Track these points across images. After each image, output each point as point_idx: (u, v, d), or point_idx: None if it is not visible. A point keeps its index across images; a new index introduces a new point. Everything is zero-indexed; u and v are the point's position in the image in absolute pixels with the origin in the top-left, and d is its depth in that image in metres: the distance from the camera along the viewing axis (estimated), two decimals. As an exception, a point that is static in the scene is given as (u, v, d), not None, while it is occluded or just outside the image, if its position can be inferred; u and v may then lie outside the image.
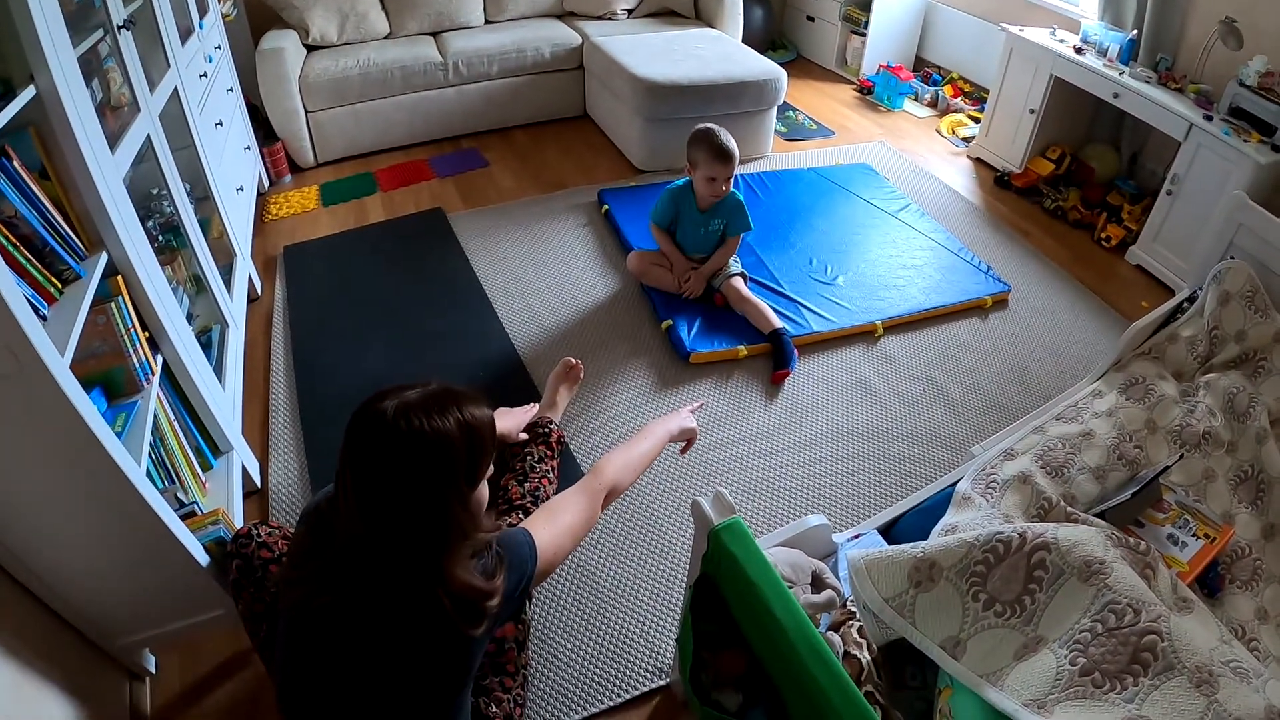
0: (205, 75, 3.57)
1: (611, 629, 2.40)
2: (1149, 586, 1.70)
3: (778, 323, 3.46)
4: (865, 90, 6.49)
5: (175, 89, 3.04)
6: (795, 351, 3.41)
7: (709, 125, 3.48)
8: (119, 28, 2.48)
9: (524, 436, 2.50)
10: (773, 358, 3.41)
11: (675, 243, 3.72)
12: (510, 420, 2.53)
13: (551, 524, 1.79)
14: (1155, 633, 1.52)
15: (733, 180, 3.54)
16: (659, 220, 3.70)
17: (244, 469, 2.69)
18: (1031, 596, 1.67)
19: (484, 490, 1.59)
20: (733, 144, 3.43)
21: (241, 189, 3.83)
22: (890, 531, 2.27)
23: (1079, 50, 4.69)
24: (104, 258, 2.04)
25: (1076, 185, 4.90)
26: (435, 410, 1.45)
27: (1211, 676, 1.49)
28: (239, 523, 2.39)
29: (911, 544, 1.79)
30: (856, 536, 2.21)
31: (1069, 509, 2.06)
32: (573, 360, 2.87)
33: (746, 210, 3.65)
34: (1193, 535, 2.13)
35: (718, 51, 5.06)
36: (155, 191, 2.83)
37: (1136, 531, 2.12)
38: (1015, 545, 1.70)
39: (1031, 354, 3.62)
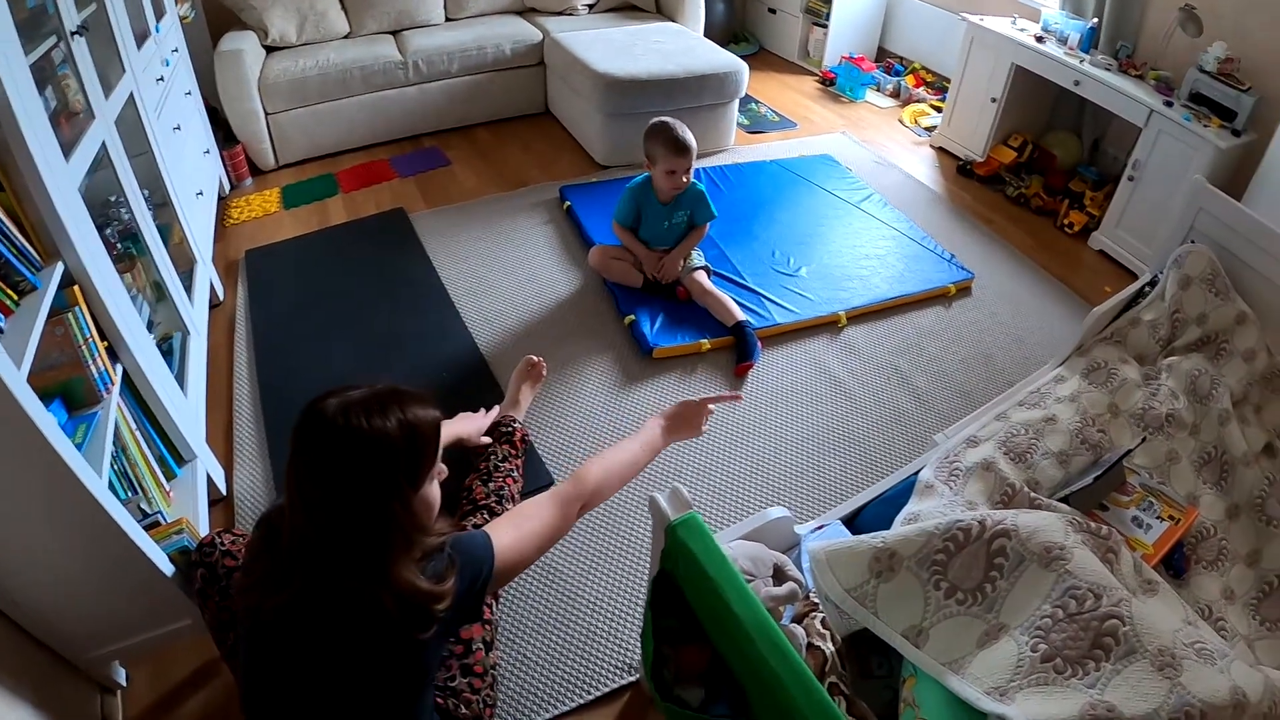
0: (162, 79, 3.52)
1: (579, 627, 2.39)
2: (1111, 571, 1.70)
3: (740, 315, 3.45)
4: (827, 82, 6.50)
5: (131, 94, 2.99)
6: (759, 344, 3.40)
7: (664, 119, 3.47)
8: (72, 34, 2.43)
9: (487, 440, 2.51)
10: (736, 350, 3.40)
11: (640, 239, 3.70)
12: (472, 424, 2.54)
13: (516, 528, 1.74)
14: (1117, 617, 1.52)
15: (692, 171, 3.53)
16: (621, 219, 3.68)
17: (209, 477, 2.64)
18: (992, 584, 1.66)
19: (431, 492, 1.57)
20: (689, 135, 3.43)
21: (201, 193, 3.78)
22: (854, 521, 2.24)
23: (1040, 39, 4.71)
24: (60, 268, 2.00)
25: (1039, 172, 4.93)
26: (376, 409, 1.45)
27: (1174, 659, 1.48)
28: (204, 531, 2.35)
29: (872, 534, 1.78)
30: (820, 527, 2.19)
31: (1032, 494, 2.05)
32: (534, 358, 2.91)
33: (709, 199, 3.65)
34: (1157, 517, 2.13)
35: (679, 45, 5.04)
36: (112, 199, 2.77)
37: (1101, 515, 2.12)
38: (975, 533, 1.69)
39: (996, 341, 3.63)
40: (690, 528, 1.59)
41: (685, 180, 3.50)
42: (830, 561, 1.75)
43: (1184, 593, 2.04)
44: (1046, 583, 1.61)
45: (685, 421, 2.21)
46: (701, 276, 3.61)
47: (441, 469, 1.60)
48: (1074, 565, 1.61)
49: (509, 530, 1.72)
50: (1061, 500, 2.09)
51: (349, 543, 1.43)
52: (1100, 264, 4.34)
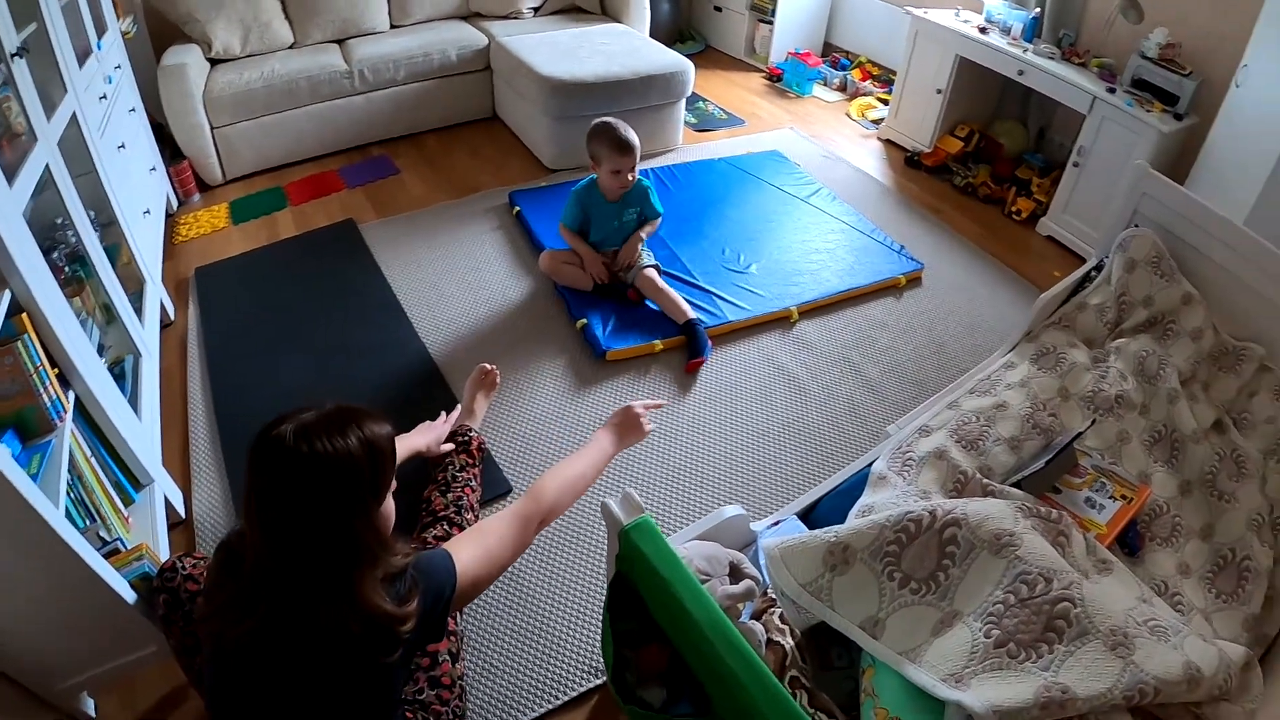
0: (105, 97, 3.44)
1: (545, 632, 2.39)
2: (1062, 554, 1.72)
3: (691, 313, 3.47)
4: (774, 78, 6.52)
5: (74, 114, 2.92)
6: (709, 341, 3.41)
7: (606, 119, 3.48)
8: (12, 55, 2.38)
9: (448, 447, 2.51)
10: (687, 348, 3.41)
11: (590, 242, 3.70)
12: (430, 434, 2.54)
13: (477, 547, 1.74)
14: (1068, 600, 1.54)
15: (638, 170, 3.55)
16: (568, 222, 3.68)
17: (166, 500, 2.60)
18: (945, 572, 1.68)
19: (389, 506, 1.57)
20: (632, 134, 3.45)
21: (149, 212, 3.70)
22: (810, 516, 2.25)
23: (983, 30, 4.77)
24: (7, 295, 1.95)
25: (986, 161, 4.99)
26: (335, 430, 1.44)
27: (1127, 638, 1.50)
28: (165, 555, 2.32)
29: (825, 529, 1.79)
30: (776, 524, 2.20)
31: (985, 481, 2.07)
32: (488, 366, 2.90)
33: (653, 192, 3.68)
34: (1110, 497, 2.15)
35: (624, 46, 5.05)
36: (58, 221, 2.70)
37: (1053, 498, 2.15)
38: (926, 523, 1.71)
39: (947, 329, 3.67)
40: (643, 531, 1.59)
41: (631, 178, 3.52)
42: (785, 558, 1.75)
43: (1139, 570, 2.06)
44: (998, 569, 1.63)
45: (628, 427, 2.25)
46: (653, 274, 3.60)
47: (393, 482, 1.59)
48: (1024, 551, 1.63)
49: (470, 549, 1.73)
50: (1014, 485, 2.11)
51: (315, 566, 1.42)
52: (1049, 249, 4.40)
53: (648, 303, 3.63)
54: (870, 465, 2.22)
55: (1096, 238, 3.28)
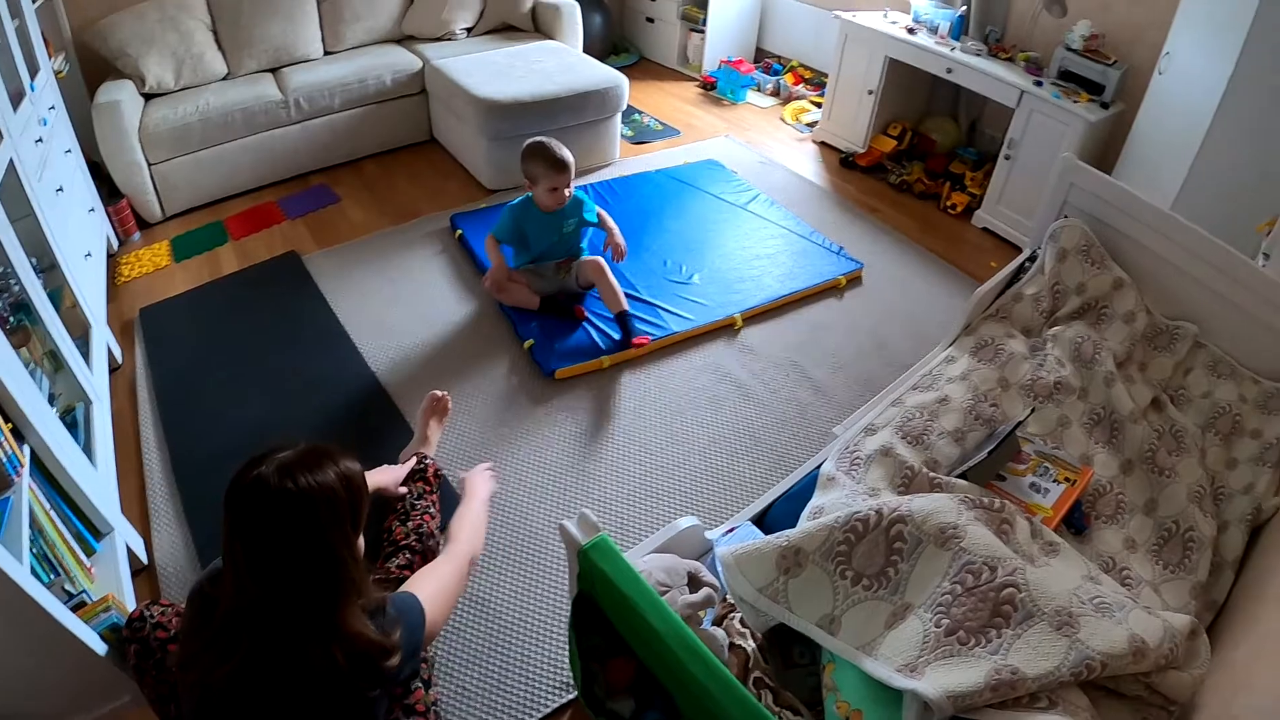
0: (41, 140, 3.37)
1: (515, 652, 2.41)
2: (1006, 542, 1.78)
3: (625, 305, 3.58)
4: (708, 86, 6.57)
5: (10, 160, 2.86)
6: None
7: (539, 139, 3.52)
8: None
9: (404, 490, 2.52)
10: (622, 334, 3.54)
11: (533, 256, 3.73)
12: (389, 474, 2.55)
13: (432, 586, 1.83)
14: (1013, 585, 1.59)
15: (573, 185, 3.60)
16: (500, 235, 3.69)
17: (128, 547, 2.57)
18: (895, 567, 1.73)
19: (360, 540, 1.63)
20: (566, 152, 3.50)
21: (90, 254, 3.62)
22: (764, 520, 2.30)
23: (911, 30, 4.85)
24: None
25: (919, 158, 5.07)
26: (314, 466, 1.50)
27: (1072, 618, 1.56)
28: (130, 603, 2.31)
29: (776, 534, 1.84)
30: (731, 530, 2.24)
31: (931, 475, 2.12)
32: (439, 393, 2.90)
33: (587, 201, 3.76)
34: (1054, 481, 2.23)
35: (558, 63, 5.06)
36: (0, 270, 2.69)
37: (999, 486, 2.21)
38: (874, 521, 1.77)
39: (889, 326, 3.74)
40: (601, 550, 1.62)
41: (568, 194, 3.57)
42: (739, 564, 1.80)
43: (1087, 549, 2.14)
44: (944, 561, 1.69)
45: (483, 481, 2.44)
46: (601, 260, 3.67)
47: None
48: (968, 542, 1.69)
49: (428, 588, 1.81)
50: (960, 476, 2.17)
51: (302, 600, 1.47)
52: (985, 241, 4.49)
53: (590, 316, 3.67)
54: (819, 467, 2.27)
55: (1031, 227, 3.36)
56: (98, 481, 2.56)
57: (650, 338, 3.50)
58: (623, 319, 3.54)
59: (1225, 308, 2.71)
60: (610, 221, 3.82)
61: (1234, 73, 3.18)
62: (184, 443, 3.11)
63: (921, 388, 2.55)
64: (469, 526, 2.16)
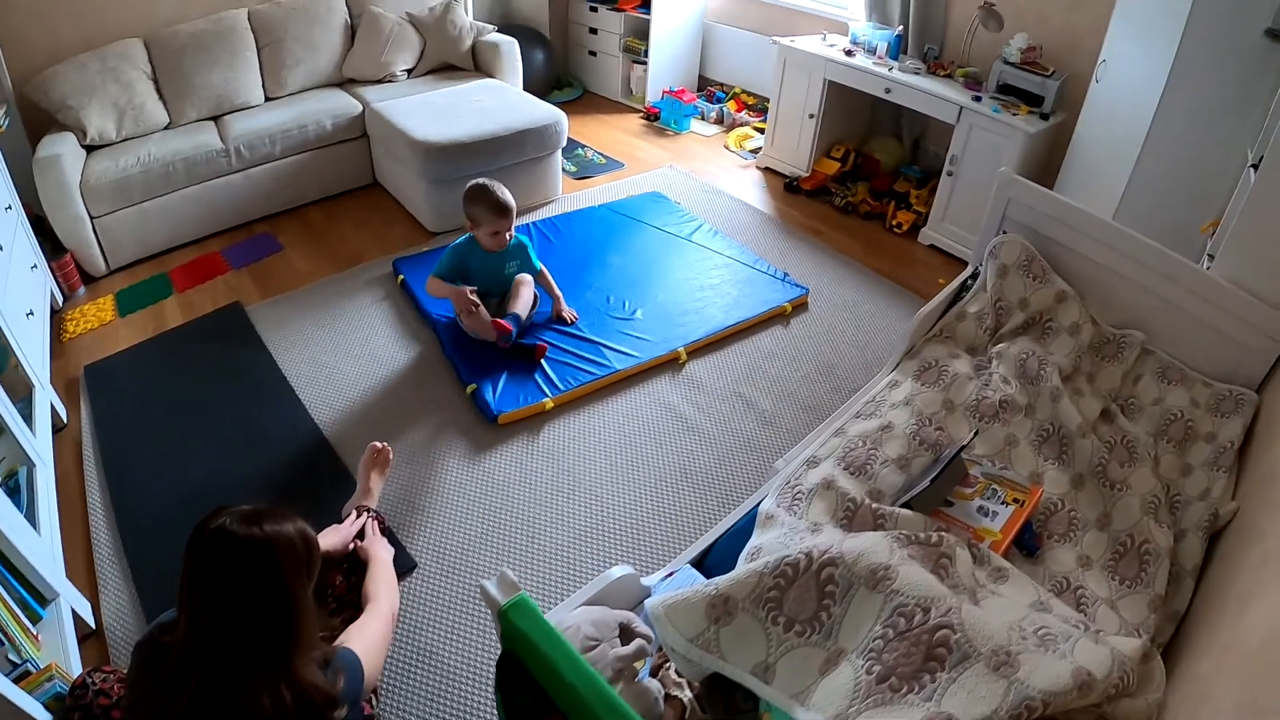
0: None
1: (461, 705, 2.37)
2: (944, 578, 1.72)
3: (521, 312, 3.65)
4: (652, 117, 6.58)
5: None
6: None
7: (481, 181, 3.51)
8: None
9: (354, 546, 2.48)
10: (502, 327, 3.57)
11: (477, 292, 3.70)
12: (337, 536, 2.48)
13: (365, 642, 1.90)
14: (946, 626, 1.53)
15: (514, 227, 3.59)
16: (442, 274, 3.67)
17: (74, 613, 2.49)
18: (827, 612, 1.67)
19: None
20: (508, 195, 3.50)
21: (32, 313, 3.55)
22: (704, 563, 2.23)
23: (849, 52, 4.86)
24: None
25: (865, 179, 5.07)
26: (272, 518, 1.61)
27: (1010, 656, 1.50)
28: (78, 670, 2.25)
29: (705, 582, 1.78)
30: (670, 574, 2.18)
31: (875, 506, 2.06)
32: (379, 445, 2.84)
33: (531, 250, 3.76)
34: (1002, 503, 2.18)
35: (497, 102, 5.03)
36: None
37: (946, 513, 2.16)
38: (804, 565, 1.71)
39: (836, 351, 3.71)
40: (520, 610, 1.58)
41: (509, 237, 3.57)
42: (669, 615, 1.74)
43: (1039, 570, 2.09)
44: (876, 604, 1.63)
45: (379, 543, 2.48)
46: (527, 277, 3.71)
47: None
48: (900, 583, 1.63)
49: (361, 644, 1.87)
50: (904, 506, 2.11)
51: (258, 642, 1.54)
52: (932, 258, 4.48)
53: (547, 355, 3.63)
54: (759, 505, 2.22)
55: (976, 242, 3.35)
56: (41, 547, 2.51)
57: (510, 329, 3.52)
58: (512, 320, 3.58)
59: (1171, 313, 2.70)
60: (554, 286, 3.84)
61: (1169, 76, 3.20)
62: (129, 503, 3.04)
63: (864, 415, 2.50)
64: (384, 585, 2.24)
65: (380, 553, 2.39)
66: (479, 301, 3.63)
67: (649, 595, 2.13)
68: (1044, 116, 4.06)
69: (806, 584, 1.70)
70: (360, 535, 2.52)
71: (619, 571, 2.11)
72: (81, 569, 2.80)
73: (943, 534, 1.88)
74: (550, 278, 3.87)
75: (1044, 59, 4.23)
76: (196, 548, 1.55)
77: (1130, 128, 3.42)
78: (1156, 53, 3.25)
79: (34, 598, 2.38)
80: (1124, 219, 3.37)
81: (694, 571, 2.15)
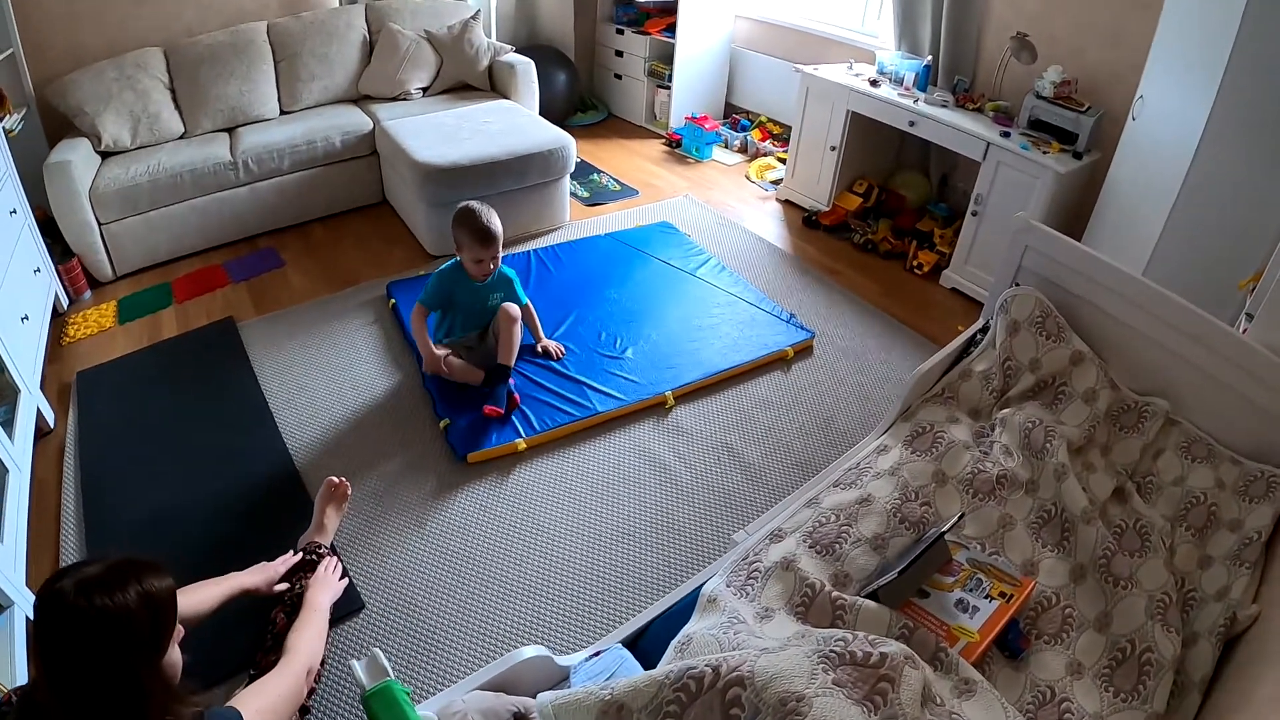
0: None
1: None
2: (875, 709, 1.44)
3: (509, 362, 3.46)
4: (674, 143, 6.46)
5: None
6: (506, 397, 3.37)
7: (470, 205, 3.35)
8: None
9: (283, 587, 2.40)
10: (491, 383, 3.42)
11: (452, 325, 3.60)
12: (262, 575, 2.41)
13: (260, 702, 1.78)
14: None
15: (500, 257, 3.43)
16: (428, 303, 3.53)
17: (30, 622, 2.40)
18: (728, 739, 1.43)
19: (175, 655, 1.60)
20: (495, 223, 3.33)
21: (26, 317, 3.54)
22: (638, 643, 2.01)
23: (874, 82, 4.70)
24: None
25: (889, 215, 4.88)
26: (115, 585, 1.46)
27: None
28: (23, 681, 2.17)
29: (601, 684, 1.58)
30: (596, 654, 1.95)
31: (835, 594, 1.85)
32: (335, 480, 2.74)
33: (517, 283, 3.59)
34: (985, 596, 1.94)
35: (506, 124, 4.92)
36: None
37: (918, 605, 1.93)
38: (709, 681, 1.46)
39: (837, 401, 3.51)
40: (383, 699, 1.46)
41: (494, 266, 3.40)
42: (557, 715, 1.54)
43: (1021, 676, 1.86)
44: (780, 743, 1.38)
45: (323, 584, 2.39)
46: (514, 309, 3.53)
47: (179, 630, 1.62)
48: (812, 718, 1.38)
49: (256, 703, 1.76)
50: (869, 596, 1.88)
51: (102, 716, 1.44)
52: (953, 303, 4.28)
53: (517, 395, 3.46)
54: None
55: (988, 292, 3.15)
56: (2, 555, 2.51)
57: (501, 411, 3.31)
58: (499, 372, 3.41)
59: (1201, 380, 2.44)
60: (538, 327, 3.73)
61: (1211, 114, 2.94)
62: (100, 516, 2.99)
63: (843, 485, 2.27)
64: (306, 638, 2.13)
65: (317, 599, 2.29)
66: (449, 369, 3.50)
67: (567, 676, 1.93)
68: (1077, 155, 3.84)
69: (710, 703, 1.45)
70: (306, 571, 2.44)
71: (529, 652, 1.91)
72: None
73: (885, 653, 1.54)
74: (535, 315, 3.72)
75: (1079, 94, 4.02)
76: (37, 610, 1.45)
77: (1167, 170, 3.18)
78: (1197, 91, 3.01)
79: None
80: (1156, 271, 3.13)
81: (624, 652, 1.93)
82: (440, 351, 3.51)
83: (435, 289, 3.49)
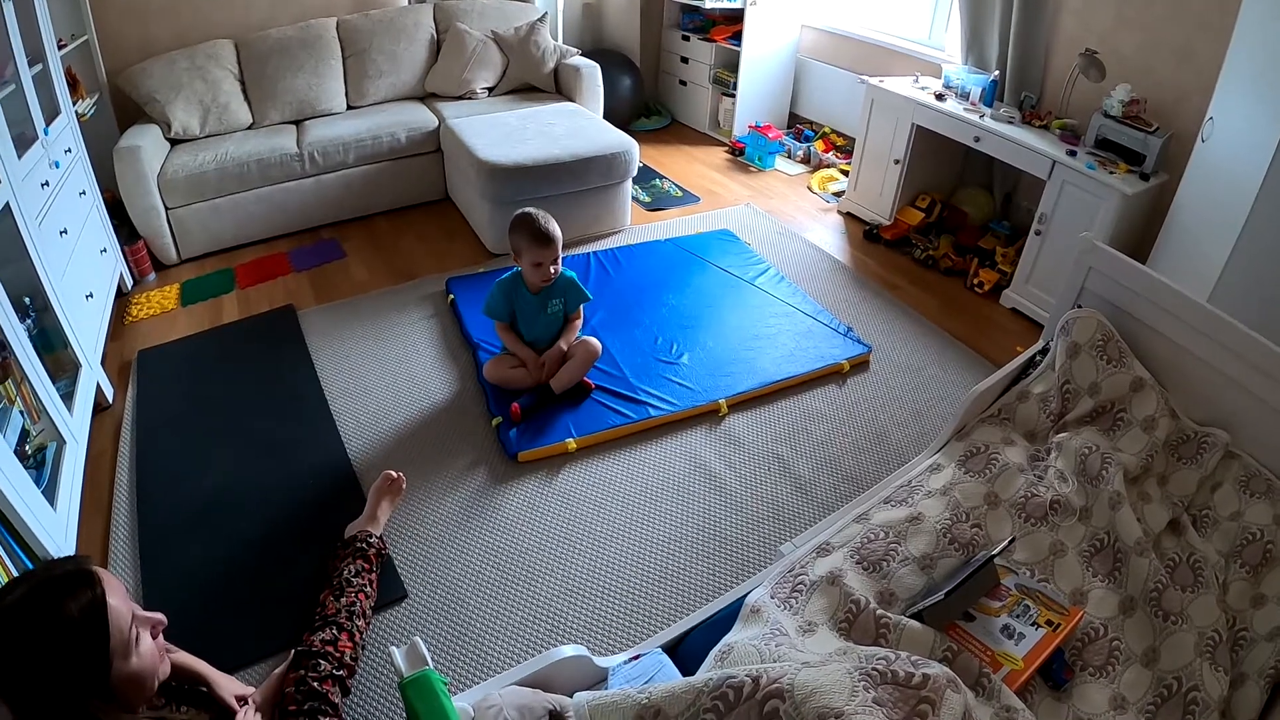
0: (48, 184, 3.38)
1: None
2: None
3: (558, 388, 3.45)
4: (737, 152, 6.44)
5: (7, 204, 2.89)
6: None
7: (528, 210, 3.33)
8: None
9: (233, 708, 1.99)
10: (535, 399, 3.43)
11: (518, 333, 3.54)
12: (225, 682, 1.99)
13: None
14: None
15: (560, 261, 3.38)
16: (496, 314, 3.50)
17: None
18: (765, 752, 1.43)
19: (137, 663, 1.47)
20: (553, 226, 3.29)
21: (91, 295, 3.64)
22: (677, 650, 2.01)
23: (940, 96, 4.64)
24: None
25: (950, 231, 4.82)
26: (29, 620, 1.37)
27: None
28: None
29: (639, 688, 1.58)
30: (636, 658, 1.95)
31: (880, 612, 1.83)
32: (393, 474, 2.80)
33: (580, 283, 3.53)
34: (1032, 624, 1.91)
35: (569, 126, 4.94)
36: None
37: (963, 628, 1.91)
38: (748, 691, 1.46)
39: (892, 417, 3.47)
40: (419, 688, 1.48)
41: (554, 271, 3.36)
42: (593, 715, 1.55)
43: (1062, 707, 1.83)
44: (816, 757, 1.38)
45: None
46: (596, 345, 3.55)
47: (157, 618, 1.54)
48: (849, 738, 1.37)
49: None
50: (914, 616, 1.87)
51: None
52: (1013, 323, 4.21)
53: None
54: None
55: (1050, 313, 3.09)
56: (55, 523, 2.54)
57: (519, 411, 3.33)
58: (545, 394, 3.42)
59: (1264, 412, 2.37)
60: (571, 327, 3.62)
61: (1280, 142, 2.87)
62: (153, 491, 3.05)
63: (894, 501, 2.26)
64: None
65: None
66: (504, 372, 3.51)
67: (605, 677, 1.93)
68: (1144, 177, 3.75)
69: (748, 713, 1.45)
70: (355, 558, 2.47)
71: (568, 650, 1.92)
72: (97, 548, 2.81)
73: (928, 674, 1.55)
74: (579, 322, 3.66)
75: (1147, 113, 3.93)
76: None
77: (1236, 194, 3.10)
78: (1268, 115, 2.94)
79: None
80: (1221, 298, 3.05)
81: (664, 657, 1.93)
82: (507, 363, 3.51)
83: (499, 300, 3.45)
